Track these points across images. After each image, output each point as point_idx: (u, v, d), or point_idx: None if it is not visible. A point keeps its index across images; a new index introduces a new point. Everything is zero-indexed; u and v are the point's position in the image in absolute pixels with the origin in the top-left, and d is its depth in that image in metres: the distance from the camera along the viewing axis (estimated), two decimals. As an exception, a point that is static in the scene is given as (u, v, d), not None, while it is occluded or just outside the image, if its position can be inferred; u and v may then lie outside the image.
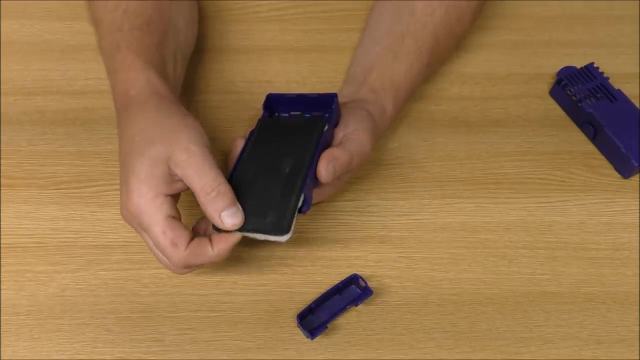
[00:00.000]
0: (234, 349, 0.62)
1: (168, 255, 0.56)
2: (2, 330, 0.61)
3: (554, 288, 0.65)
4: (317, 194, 0.63)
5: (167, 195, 0.56)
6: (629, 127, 0.71)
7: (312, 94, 0.63)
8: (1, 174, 0.69)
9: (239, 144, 0.62)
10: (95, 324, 0.62)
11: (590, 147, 0.73)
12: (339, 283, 0.63)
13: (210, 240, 0.56)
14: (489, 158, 0.72)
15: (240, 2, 0.82)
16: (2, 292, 0.63)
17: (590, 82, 0.74)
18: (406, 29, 0.70)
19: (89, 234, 0.66)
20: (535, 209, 0.69)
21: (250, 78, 0.77)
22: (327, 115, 0.62)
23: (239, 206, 0.56)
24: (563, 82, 0.74)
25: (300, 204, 0.57)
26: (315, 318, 0.62)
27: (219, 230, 0.57)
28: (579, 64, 0.76)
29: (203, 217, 0.59)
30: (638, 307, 0.64)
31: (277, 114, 0.65)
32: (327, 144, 0.62)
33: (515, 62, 0.79)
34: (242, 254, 0.65)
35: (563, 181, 0.71)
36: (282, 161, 0.59)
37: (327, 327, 0.61)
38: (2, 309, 0.62)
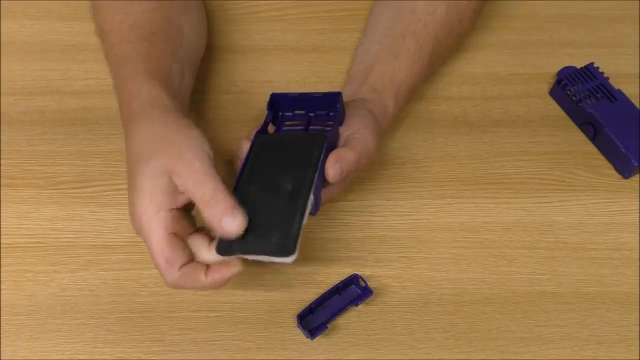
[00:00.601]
0: (234, 349, 0.62)
1: (161, 272, 0.56)
2: (2, 330, 0.61)
3: (554, 288, 0.65)
4: (324, 195, 0.62)
5: (170, 210, 0.55)
6: (629, 127, 0.71)
7: (317, 93, 0.63)
8: (1, 174, 0.69)
9: (245, 146, 0.62)
10: (95, 324, 0.62)
11: (590, 147, 0.73)
12: (339, 283, 0.63)
13: (207, 267, 0.56)
14: (489, 158, 0.72)
15: (240, 2, 0.82)
16: (2, 292, 0.63)
17: (591, 82, 0.74)
18: (407, 28, 0.70)
19: (89, 234, 0.66)
20: (535, 209, 0.69)
21: (250, 78, 0.77)
22: (332, 114, 0.62)
23: (240, 210, 0.54)
24: (563, 82, 0.74)
25: (304, 220, 0.56)
26: (315, 318, 0.62)
27: (222, 253, 0.55)
28: (580, 64, 0.76)
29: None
30: (638, 307, 0.64)
31: (280, 113, 0.64)
32: (334, 143, 0.61)
33: (515, 62, 0.79)
34: (242, 254, 0.66)
35: (563, 181, 0.71)
36: (283, 180, 0.57)
37: (327, 327, 0.61)
38: (2, 309, 0.62)
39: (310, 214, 0.58)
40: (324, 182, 0.59)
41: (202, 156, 0.56)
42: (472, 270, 0.66)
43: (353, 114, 0.64)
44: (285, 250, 0.54)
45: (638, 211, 0.69)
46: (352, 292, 0.63)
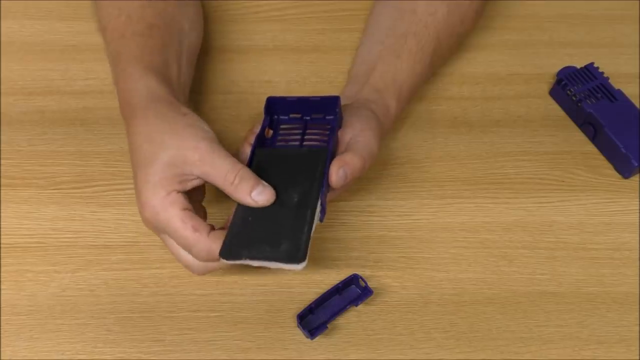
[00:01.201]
0: (234, 349, 0.62)
1: (191, 243, 0.56)
2: (2, 330, 0.61)
3: (554, 288, 0.65)
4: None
5: (179, 192, 0.56)
6: (629, 127, 0.71)
7: (314, 97, 0.63)
8: (1, 174, 0.69)
9: (245, 151, 0.62)
10: (95, 324, 0.62)
11: (590, 147, 0.73)
12: (339, 283, 0.63)
13: None
14: (489, 158, 0.72)
15: (240, 2, 0.82)
16: (2, 292, 0.63)
17: (591, 82, 0.74)
18: (408, 29, 0.70)
19: (89, 234, 0.66)
20: (535, 209, 0.69)
21: (250, 78, 0.77)
22: (330, 117, 0.62)
23: (265, 183, 0.56)
24: (563, 82, 0.74)
25: (312, 230, 0.56)
26: (315, 318, 0.62)
27: (227, 258, 0.55)
28: (580, 64, 0.76)
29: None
30: (638, 307, 0.64)
31: (276, 116, 0.64)
32: (334, 149, 0.61)
33: (515, 62, 0.79)
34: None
35: (563, 181, 0.71)
36: (289, 192, 0.58)
37: (327, 327, 0.61)
38: (2, 309, 0.62)
39: (319, 221, 0.58)
40: (328, 188, 0.59)
41: (207, 140, 0.57)
42: (472, 270, 0.66)
43: (355, 115, 0.64)
44: (296, 257, 0.54)
45: (638, 211, 0.69)
46: (352, 292, 0.63)
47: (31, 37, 0.79)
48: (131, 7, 0.66)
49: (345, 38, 0.79)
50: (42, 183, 0.69)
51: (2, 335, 0.61)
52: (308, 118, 0.64)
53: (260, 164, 0.60)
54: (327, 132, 0.62)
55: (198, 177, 0.57)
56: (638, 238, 0.68)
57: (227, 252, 0.55)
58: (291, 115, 0.64)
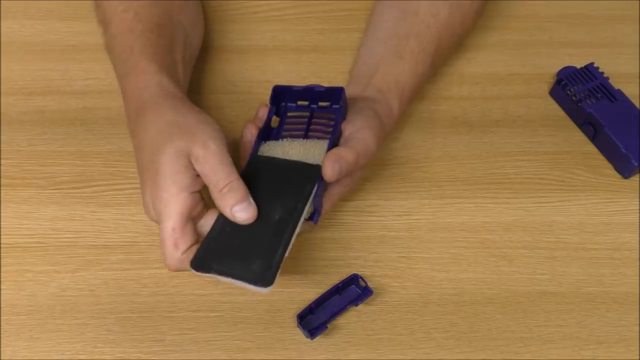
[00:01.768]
0: (234, 349, 0.62)
1: (165, 251, 0.56)
2: (2, 330, 0.62)
3: (554, 288, 0.65)
4: (325, 201, 0.62)
5: (191, 193, 0.56)
6: (629, 127, 0.71)
7: (320, 87, 0.63)
8: (1, 174, 0.69)
9: (249, 131, 0.62)
10: (95, 324, 0.62)
11: (590, 147, 0.73)
12: (339, 283, 0.63)
13: None
14: (489, 158, 0.72)
15: (240, 2, 0.82)
16: (2, 292, 0.63)
17: (591, 82, 0.74)
18: (410, 30, 0.70)
19: (89, 234, 0.66)
20: (535, 209, 0.69)
21: (250, 78, 0.77)
22: (336, 107, 0.62)
23: (252, 201, 0.56)
24: (563, 82, 0.74)
25: (287, 253, 0.55)
26: (315, 318, 0.62)
27: (197, 269, 0.54)
28: (580, 64, 0.76)
29: None
30: (638, 307, 0.64)
31: (283, 103, 0.64)
32: (336, 140, 0.62)
33: (515, 62, 0.79)
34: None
35: (563, 181, 0.71)
36: (272, 208, 0.57)
37: (327, 327, 0.61)
38: (2, 309, 0.62)
39: (312, 221, 0.58)
40: (325, 186, 0.59)
41: (218, 141, 0.57)
42: (472, 270, 0.66)
43: (358, 112, 0.64)
44: (264, 280, 0.53)
45: (638, 211, 0.69)
46: (352, 292, 0.63)
47: (31, 37, 0.79)
48: (138, 5, 0.66)
49: (344, 38, 0.79)
50: (42, 183, 0.69)
51: (2, 335, 0.61)
52: (315, 106, 0.64)
53: (252, 169, 0.60)
54: (332, 124, 0.62)
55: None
56: (638, 238, 0.68)
57: (198, 263, 0.55)
58: (299, 103, 0.65)
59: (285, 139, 0.63)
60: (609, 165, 0.72)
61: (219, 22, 0.81)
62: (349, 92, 0.69)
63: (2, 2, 0.81)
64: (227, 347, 0.62)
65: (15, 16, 0.80)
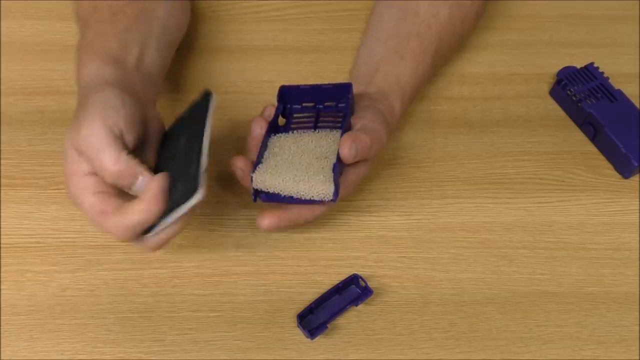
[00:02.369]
0: (234, 349, 0.62)
1: (103, 226, 0.56)
2: (2, 330, 0.61)
3: (554, 288, 0.65)
4: (344, 184, 0.62)
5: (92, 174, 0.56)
6: (629, 127, 0.71)
7: (326, 85, 0.64)
8: (1, 174, 0.69)
9: (256, 126, 0.63)
10: (95, 324, 0.62)
11: (590, 147, 0.73)
12: (339, 283, 0.63)
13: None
14: (489, 158, 0.72)
15: (240, 2, 0.82)
16: (2, 292, 0.63)
17: (591, 82, 0.74)
18: (411, 30, 0.70)
19: (89, 234, 0.66)
20: (535, 209, 0.69)
21: (250, 78, 0.77)
22: (342, 104, 0.63)
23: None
24: (563, 82, 0.74)
25: (203, 162, 0.55)
26: (315, 318, 0.62)
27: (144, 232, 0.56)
28: (580, 64, 0.76)
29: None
30: (638, 307, 0.64)
31: (289, 105, 0.65)
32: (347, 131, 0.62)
33: (515, 62, 0.79)
34: (241, 254, 0.65)
35: (563, 181, 0.71)
36: (180, 141, 0.58)
37: (327, 327, 0.61)
38: (2, 309, 0.62)
39: (332, 201, 0.58)
40: (342, 166, 0.60)
41: (105, 120, 0.55)
42: (472, 270, 0.66)
43: (365, 109, 0.64)
44: (191, 191, 0.53)
45: (638, 211, 0.69)
46: (352, 292, 0.63)
47: (31, 37, 0.79)
48: None
49: (345, 38, 0.79)
50: (42, 183, 0.69)
51: (2, 335, 0.61)
52: (321, 107, 0.64)
53: (166, 134, 0.62)
54: (340, 119, 0.63)
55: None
56: (638, 238, 0.68)
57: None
58: (304, 105, 0.65)
59: (295, 131, 0.64)
60: (609, 165, 0.72)
61: (219, 22, 0.81)
62: None
63: (2, 2, 0.81)
64: (227, 347, 0.62)
65: (15, 16, 0.80)
